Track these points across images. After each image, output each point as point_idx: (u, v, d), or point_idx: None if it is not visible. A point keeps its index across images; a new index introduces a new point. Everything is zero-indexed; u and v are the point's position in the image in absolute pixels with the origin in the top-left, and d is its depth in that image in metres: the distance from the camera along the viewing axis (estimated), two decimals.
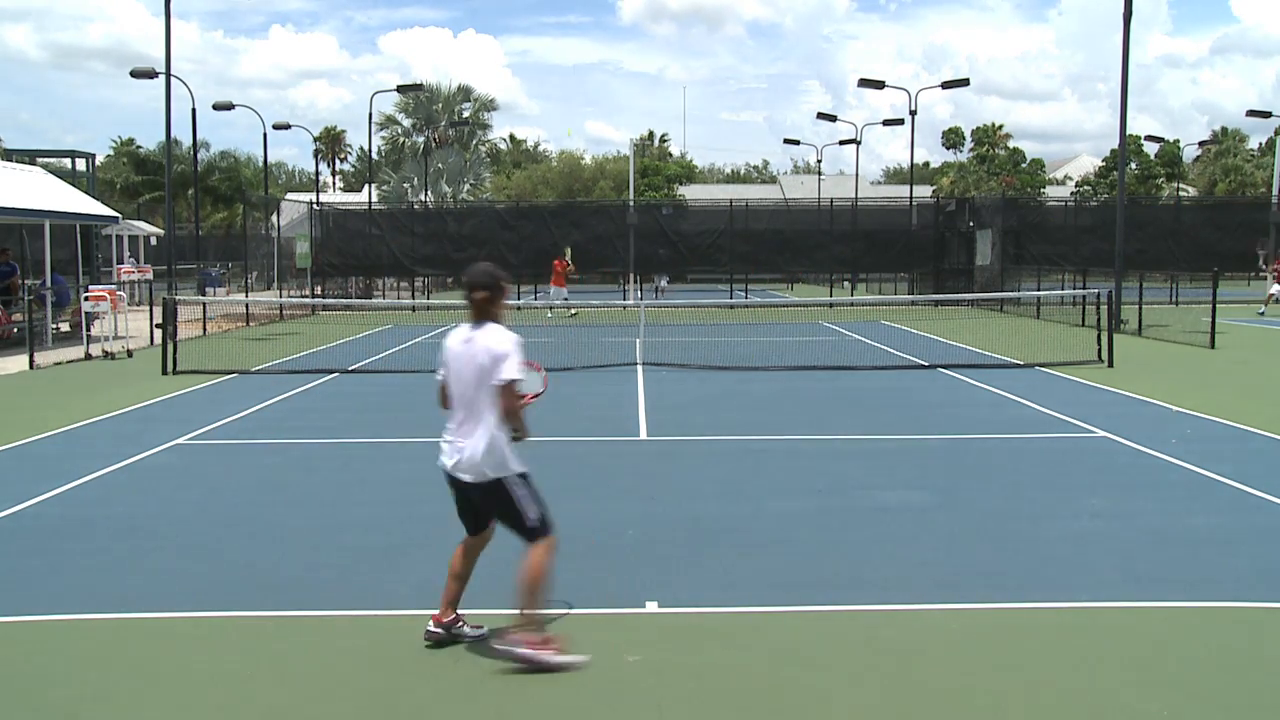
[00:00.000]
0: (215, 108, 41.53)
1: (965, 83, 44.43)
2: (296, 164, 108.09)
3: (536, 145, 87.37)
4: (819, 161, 60.54)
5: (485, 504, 5.20)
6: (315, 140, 77.34)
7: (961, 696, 4.73)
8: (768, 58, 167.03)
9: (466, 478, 5.11)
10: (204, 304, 25.27)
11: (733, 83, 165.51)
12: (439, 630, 5.28)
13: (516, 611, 5.09)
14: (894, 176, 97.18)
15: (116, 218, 28.27)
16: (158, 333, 18.76)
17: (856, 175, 49.63)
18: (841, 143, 56.53)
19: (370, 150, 49.76)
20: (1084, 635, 5.50)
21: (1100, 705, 4.65)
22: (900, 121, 49.69)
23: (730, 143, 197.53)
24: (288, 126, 51.52)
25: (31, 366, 17.20)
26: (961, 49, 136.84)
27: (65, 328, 22.06)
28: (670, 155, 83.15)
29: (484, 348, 5.07)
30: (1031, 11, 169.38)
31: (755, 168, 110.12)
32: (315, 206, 37.25)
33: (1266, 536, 7.25)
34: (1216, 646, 5.34)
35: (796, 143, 73.64)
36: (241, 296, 30.85)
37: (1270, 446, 10.36)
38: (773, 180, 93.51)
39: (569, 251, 30.49)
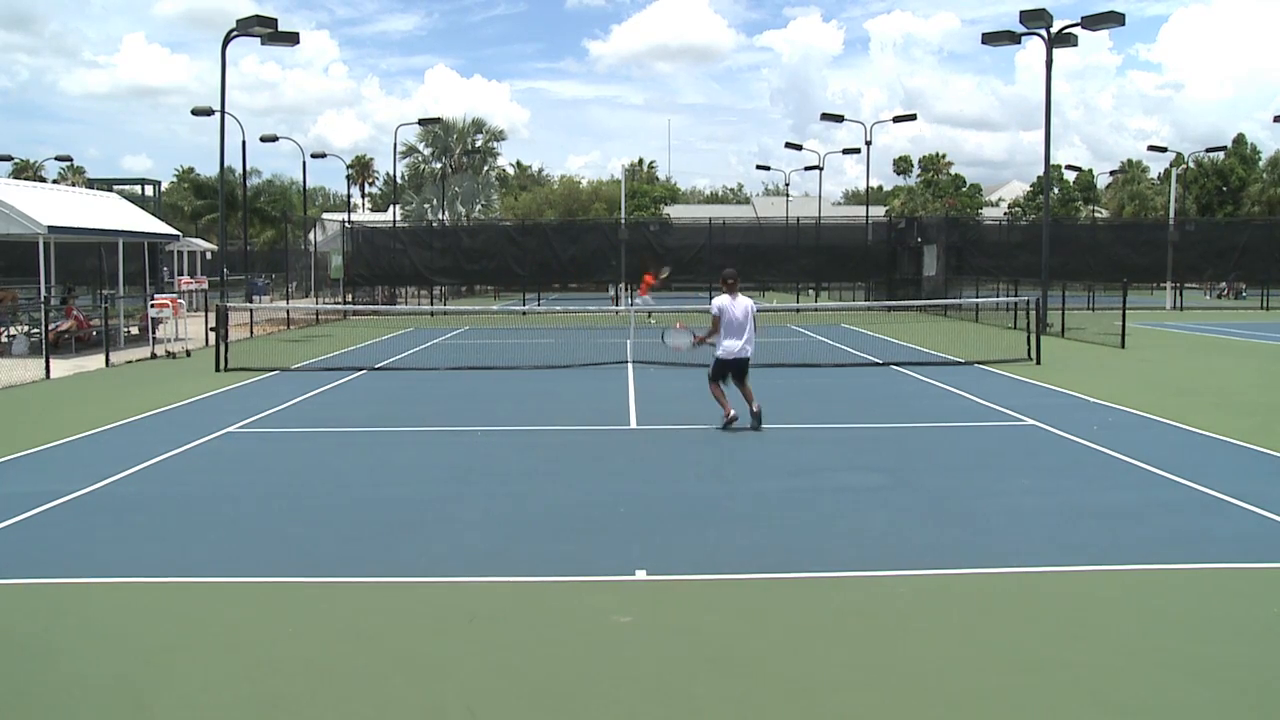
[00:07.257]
0: (262, 139, 41.50)
1: (912, 118, 44.80)
2: (331, 187, 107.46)
3: (540, 170, 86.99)
4: (787, 185, 60.62)
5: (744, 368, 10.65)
6: (347, 167, 76.92)
7: (910, 650, 4.74)
8: (743, 95, 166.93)
9: (748, 355, 10.58)
10: (251, 310, 25.17)
11: (711, 114, 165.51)
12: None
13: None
14: (853, 198, 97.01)
15: (177, 235, 28.13)
16: (212, 335, 18.68)
17: (820, 197, 49.55)
18: (807, 168, 56.55)
19: (395, 175, 49.57)
20: (1015, 596, 5.53)
21: (1030, 656, 4.66)
22: (858, 151, 49.68)
23: (709, 168, 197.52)
24: (323, 156, 51.36)
25: (107, 364, 17.15)
26: (914, 88, 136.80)
27: (135, 331, 21.95)
28: (656, 179, 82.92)
29: (746, 304, 10.65)
30: (980, 64, 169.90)
31: (731, 190, 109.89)
32: (347, 225, 37.13)
33: (1169, 509, 7.30)
34: (1129, 603, 5.36)
35: (768, 168, 73.62)
36: (283, 303, 30.72)
37: (1171, 432, 10.41)
38: (746, 201, 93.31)
39: None
